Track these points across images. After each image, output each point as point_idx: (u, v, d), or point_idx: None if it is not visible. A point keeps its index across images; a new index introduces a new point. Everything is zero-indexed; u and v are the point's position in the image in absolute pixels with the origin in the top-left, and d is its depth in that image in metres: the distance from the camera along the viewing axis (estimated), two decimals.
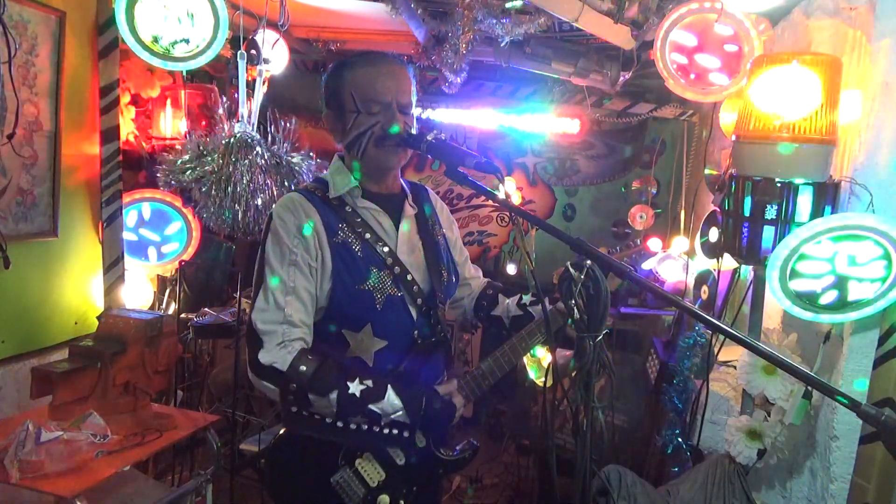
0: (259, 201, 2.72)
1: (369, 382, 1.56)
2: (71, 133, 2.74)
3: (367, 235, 1.66)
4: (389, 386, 1.58)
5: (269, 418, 3.44)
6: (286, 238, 1.59)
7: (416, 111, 1.72)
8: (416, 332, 1.70)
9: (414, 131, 1.66)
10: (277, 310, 1.56)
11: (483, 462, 4.04)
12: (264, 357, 1.54)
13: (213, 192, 2.72)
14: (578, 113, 4.45)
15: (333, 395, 1.53)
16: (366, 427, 1.59)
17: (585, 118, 4.40)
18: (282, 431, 1.73)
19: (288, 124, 2.81)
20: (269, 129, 2.82)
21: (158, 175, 2.77)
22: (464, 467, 1.81)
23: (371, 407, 1.55)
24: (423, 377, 1.70)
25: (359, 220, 1.67)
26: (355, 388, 1.54)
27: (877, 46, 1.78)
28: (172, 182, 2.74)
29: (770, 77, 1.79)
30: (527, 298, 1.88)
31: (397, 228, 1.72)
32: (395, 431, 1.61)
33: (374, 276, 1.63)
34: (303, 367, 1.53)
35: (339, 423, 1.59)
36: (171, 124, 3.39)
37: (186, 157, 2.71)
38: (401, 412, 1.58)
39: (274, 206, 1.67)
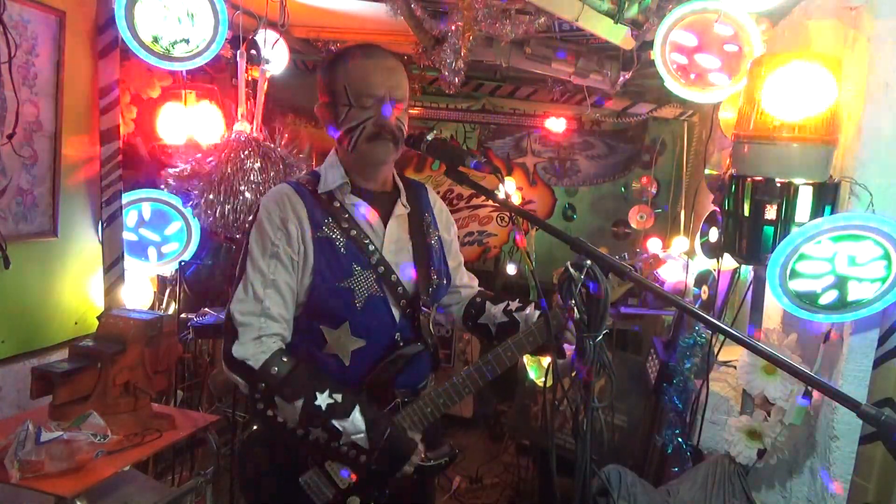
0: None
1: (338, 397, 1.53)
2: (71, 133, 2.73)
3: (353, 232, 1.63)
4: (358, 405, 1.55)
5: None
6: (269, 230, 1.57)
7: (409, 109, 1.69)
8: (397, 333, 1.67)
9: (405, 128, 1.63)
10: (256, 301, 1.54)
11: (483, 462, 4.04)
12: (237, 351, 1.52)
13: (211, 194, 2.72)
14: (578, 113, 4.45)
15: (299, 403, 1.50)
16: (324, 441, 1.54)
17: (585, 118, 4.40)
18: (254, 428, 1.71)
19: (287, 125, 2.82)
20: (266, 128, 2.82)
21: (168, 182, 2.78)
22: (438, 473, 1.74)
23: (334, 423, 1.52)
24: (403, 381, 1.67)
25: (346, 216, 1.64)
26: (322, 400, 1.51)
27: (877, 46, 1.78)
28: (181, 188, 2.74)
29: (770, 77, 1.79)
30: (513, 305, 1.82)
31: (386, 227, 1.69)
32: (353, 453, 1.55)
33: (356, 274, 1.60)
34: (275, 369, 1.51)
35: (300, 431, 1.55)
36: (172, 125, 3.38)
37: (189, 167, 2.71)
38: (362, 435, 1.53)
39: (262, 197, 1.65)
